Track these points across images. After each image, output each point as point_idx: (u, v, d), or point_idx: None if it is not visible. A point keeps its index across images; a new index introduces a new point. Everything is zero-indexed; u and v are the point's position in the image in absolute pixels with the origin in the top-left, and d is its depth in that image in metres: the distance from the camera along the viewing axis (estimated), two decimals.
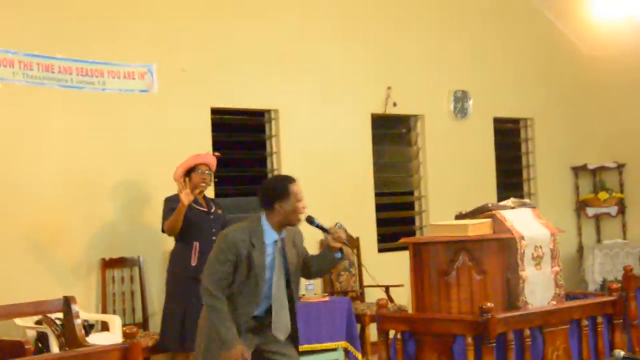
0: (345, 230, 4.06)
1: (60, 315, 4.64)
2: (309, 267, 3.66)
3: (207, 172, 4.99)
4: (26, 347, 4.24)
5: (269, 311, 3.53)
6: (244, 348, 3.41)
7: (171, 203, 4.89)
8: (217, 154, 5.23)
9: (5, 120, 5.14)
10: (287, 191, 3.48)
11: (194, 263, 4.83)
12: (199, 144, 5.76)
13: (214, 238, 4.79)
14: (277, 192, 3.48)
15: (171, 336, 4.87)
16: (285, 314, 3.52)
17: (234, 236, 3.46)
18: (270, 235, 3.50)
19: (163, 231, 4.96)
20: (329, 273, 3.79)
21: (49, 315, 4.68)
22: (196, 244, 4.86)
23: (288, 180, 3.55)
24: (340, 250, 3.59)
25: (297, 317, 3.60)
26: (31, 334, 4.78)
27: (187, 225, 4.87)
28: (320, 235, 4.00)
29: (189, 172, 4.96)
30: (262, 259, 3.46)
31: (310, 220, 3.59)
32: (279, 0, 6.39)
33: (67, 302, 4.47)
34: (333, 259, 3.62)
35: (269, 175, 6.25)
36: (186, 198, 4.78)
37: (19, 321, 4.75)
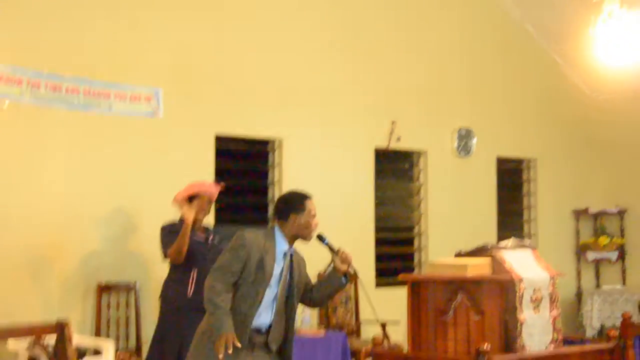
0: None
1: (53, 338, 4.59)
2: (312, 293, 3.68)
3: (207, 201, 4.94)
4: None
5: (269, 328, 3.52)
6: (234, 335, 3.34)
7: (169, 229, 4.80)
8: (221, 184, 5.18)
9: (8, 139, 5.15)
10: (303, 205, 3.59)
11: (190, 293, 4.69)
12: (202, 170, 5.78)
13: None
14: (293, 205, 3.59)
15: None
16: (281, 327, 3.56)
17: (250, 237, 3.51)
18: (281, 246, 3.56)
19: (166, 257, 4.79)
20: (328, 302, 3.79)
21: (42, 338, 4.62)
22: (193, 273, 4.74)
23: (305, 195, 3.67)
24: (346, 275, 3.62)
25: (289, 332, 3.58)
26: (23, 357, 4.72)
27: (185, 255, 4.81)
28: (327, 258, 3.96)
29: (190, 199, 4.93)
30: (272, 265, 3.51)
31: (321, 237, 3.68)
32: (287, 32, 6.45)
33: (61, 326, 4.42)
34: (339, 284, 3.65)
35: (270, 205, 6.25)
36: (189, 214, 4.70)
37: (11, 345, 4.70)
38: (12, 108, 5.11)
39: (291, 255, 3.59)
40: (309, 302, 3.75)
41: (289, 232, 3.58)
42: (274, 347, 3.54)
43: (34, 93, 5.19)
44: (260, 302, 3.47)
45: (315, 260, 3.84)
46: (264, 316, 3.50)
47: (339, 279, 3.64)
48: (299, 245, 3.64)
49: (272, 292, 3.50)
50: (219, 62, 6.04)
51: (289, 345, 3.60)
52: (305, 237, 3.60)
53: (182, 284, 4.73)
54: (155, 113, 5.69)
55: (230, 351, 3.30)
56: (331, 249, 3.65)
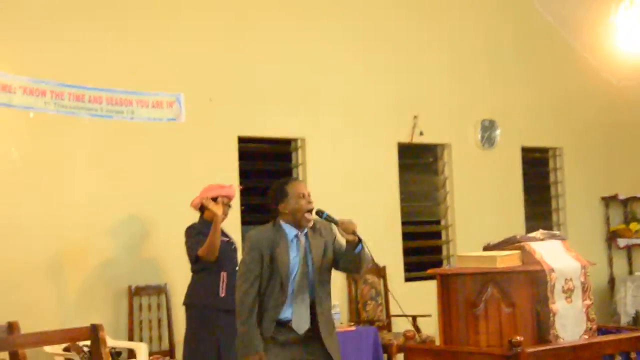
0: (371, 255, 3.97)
1: (88, 342, 4.64)
2: (337, 261, 3.65)
3: (225, 203, 4.89)
4: None
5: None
6: (262, 355, 3.41)
7: (196, 229, 4.78)
8: (240, 186, 5.19)
9: (34, 149, 5.23)
10: (285, 191, 3.60)
11: (222, 294, 4.66)
12: (226, 172, 5.80)
13: (237, 269, 4.74)
14: (276, 195, 3.63)
15: None
16: (306, 311, 3.53)
17: (256, 235, 3.58)
18: (290, 232, 3.59)
19: (197, 258, 4.71)
20: (358, 271, 3.74)
21: (78, 342, 4.68)
22: (223, 275, 4.71)
23: (285, 181, 3.68)
24: (359, 242, 3.54)
25: (317, 313, 3.56)
26: None
27: None
28: None
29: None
30: (286, 256, 3.53)
31: (319, 213, 3.62)
32: (308, 31, 6.44)
33: (95, 329, 4.46)
34: (354, 255, 3.57)
35: None
36: (218, 209, 4.69)
37: (47, 348, 4.77)
38: (37, 118, 5.19)
39: (305, 235, 3.59)
40: (349, 271, 3.74)
41: (288, 220, 3.60)
42: (301, 331, 3.53)
43: (57, 103, 5.25)
44: (285, 292, 3.50)
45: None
46: (290, 307, 3.53)
47: (352, 251, 3.56)
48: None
49: (293, 279, 3.52)
50: (239, 64, 6.06)
51: (323, 327, 3.54)
52: (300, 220, 3.57)
53: (212, 286, 4.69)
54: (177, 118, 5.73)
55: None
56: (332, 220, 3.58)
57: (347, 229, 3.53)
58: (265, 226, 3.65)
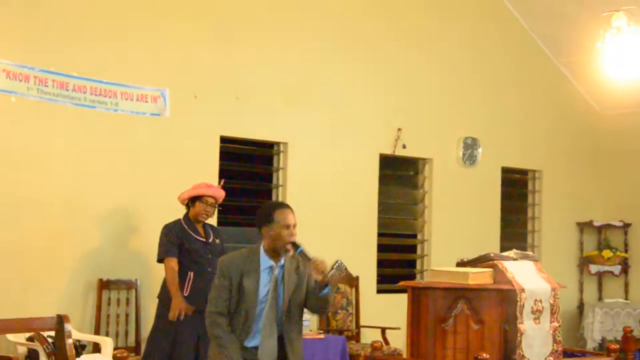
0: (344, 270, 4.01)
1: (52, 333, 4.59)
2: (307, 299, 3.59)
3: (211, 204, 4.96)
4: None
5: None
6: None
7: (169, 233, 4.86)
8: (222, 181, 5.21)
9: (15, 134, 5.17)
10: (271, 217, 3.48)
11: (186, 293, 4.79)
12: (206, 171, 5.78)
13: (209, 269, 4.77)
14: (262, 217, 3.52)
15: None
16: (273, 342, 3.48)
17: (227, 261, 3.51)
18: (265, 261, 3.50)
19: (160, 261, 4.91)
20: (322, 313, 3.71)
21: (42, 332, 4.63)
22: (190, 274, 4.83)
23: (276, 206, 3.59)
24: (327, 284, 3.48)
25: (287, 350, 3.53)
26: (22, 350, 4.73)
27: (184, 255, 4.84)
28: None
29: (194, 199, 4.95)
30: (255, 286, 3.45)
31: (295, 245, 3.49)
32: (295, 36, 6.45)
33: (60, 320, 4.42)
34: (320, 296, 3.51)
35: None
36: (179, 306, 4.72)
37: (10, 337, 4.70)
38: (19, 103, 5.13)
39: (281, 268, 3.50)
40: (311, 310, 3.67)
41: (266, 245, 3.49)
42: None
43: (40, 89, 5.20)
44: (251, 323, 3.45)
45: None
46: (258, 336, 3.49)
47: (319, 291, 3.49)
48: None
49: (260, 313, 3.47)
50: (226, 64, 6.04)
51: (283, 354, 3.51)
52: (279, 250, 3.47)
53: (179, 284, 4.80)
54: (161, 113, 5.70)
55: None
56: (305, 257, 3.48)
57: (318, 268, 3.44)
58: (240, 251, 3.56)
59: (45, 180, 5.24)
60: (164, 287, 4.93)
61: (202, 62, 5.93)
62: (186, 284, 4.80)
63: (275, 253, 3.50)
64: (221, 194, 5.03)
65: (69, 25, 5.36)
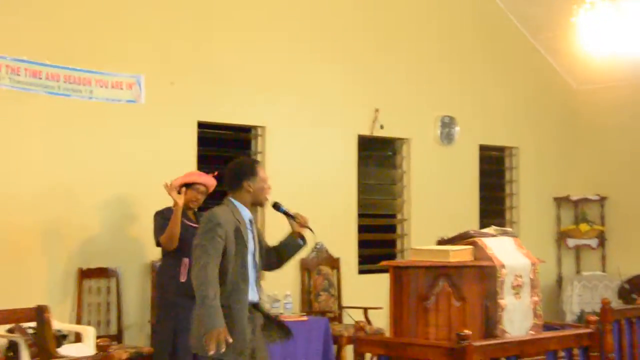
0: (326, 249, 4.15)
1: (33, 324, 4.56)
2: (269, 256, 3.79)
3: (202, 191, 4.94)
4: None
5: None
6: (226, 331, 3.37)
7: (163, 216, 4.83)
8: (215, 173, 5.14)
9: None
10: (255, 170, 3.68)
11: (183, 279, 4.71)
12: (184, 157, 5.75)
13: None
14: (245, 171, 3.67)
15: (162, 352, 4.77)
16: (263, 293, 3.79)
17: (221, 213, 3.54)
18: (246, 214, 3.64)
19: (158, 245, 4.84)
20: (281, 265, 3.92)
21: (22, 324, 4.60)
22: (186, 260, 4.74)
23: (255, 162, 3.83)
24: (302, 237, 3.80)
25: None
26: (2, 342, 4.69)
27: (178, 241, 4.81)
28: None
29: (186, 186, 4.92)
30: (248, 234, 3.59)
31: (276, 206, 3.81)
32: (270, 20, 6.41)
33: (41, 311, 4.40)
34: (297, 245, 3.80)
35: None
36: (179, 199, 4.72)
37: None
38: None
39: (253, 221, 3.69)
40: (268, 267, 3.85)
41: (246, 199, 3.65)
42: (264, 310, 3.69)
43: (12, 78, 5.12)
44: (246, 270, 3.53)
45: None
46: (252, 287, 3.58)
47: (296, 241, 3.78)
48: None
49: (251, 261, 3.59)
50: (201, 49, 5.99)
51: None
52: (262, 203, 3.71)
53: (174, 271, 4.77)
54: (137, 100, 5.64)
55: (222, 349, 3.28)
56: (289, 214, 3.78)
57: (304, 222, 3.76)
58: (221, 207, 3.64)
59: (19, 170, 5.18)
60: (159, 274, 4.96)
61: (178, 48, 5.87)
62: (182, 270, 4.75)
63: (255, 206, 3.71)
64: (212, 182, 5.02)
65: (41, 12, 5.28)
